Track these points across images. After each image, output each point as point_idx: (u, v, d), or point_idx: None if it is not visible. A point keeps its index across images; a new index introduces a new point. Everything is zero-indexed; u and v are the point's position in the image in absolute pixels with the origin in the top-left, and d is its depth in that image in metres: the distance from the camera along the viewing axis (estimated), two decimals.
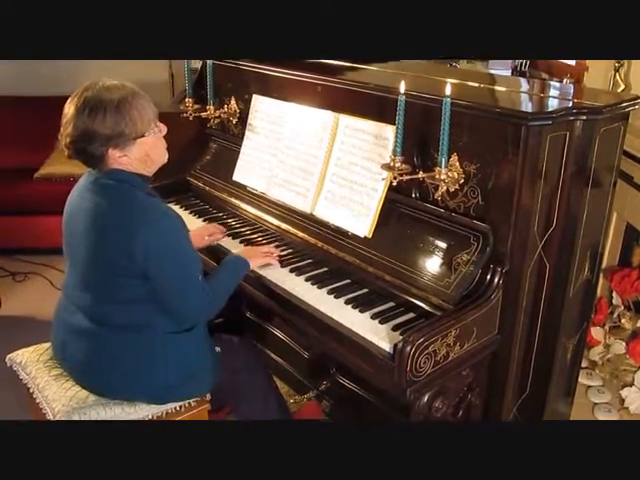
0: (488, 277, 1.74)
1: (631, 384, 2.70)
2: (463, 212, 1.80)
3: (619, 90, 2.96)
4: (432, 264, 1.80)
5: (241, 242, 2.26)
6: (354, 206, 2.03)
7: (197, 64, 2.98)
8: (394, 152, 1.73)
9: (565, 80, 3.44)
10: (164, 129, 1.80)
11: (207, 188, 2.62)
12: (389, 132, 1.92)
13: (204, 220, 2.46)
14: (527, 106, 1.80)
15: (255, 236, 2.31)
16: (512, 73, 3.83)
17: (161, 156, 1.82)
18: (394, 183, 1.76)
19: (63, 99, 1.71)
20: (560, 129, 1.63)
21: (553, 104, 1.79)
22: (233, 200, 2.48)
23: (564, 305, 1.88)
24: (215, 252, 2.21)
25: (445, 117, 1.59)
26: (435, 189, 1.78)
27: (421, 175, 1.77)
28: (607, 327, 2.82)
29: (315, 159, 2.16)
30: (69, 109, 1.66)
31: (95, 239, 1.68)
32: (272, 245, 2.20)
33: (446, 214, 1.82)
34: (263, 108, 2.40)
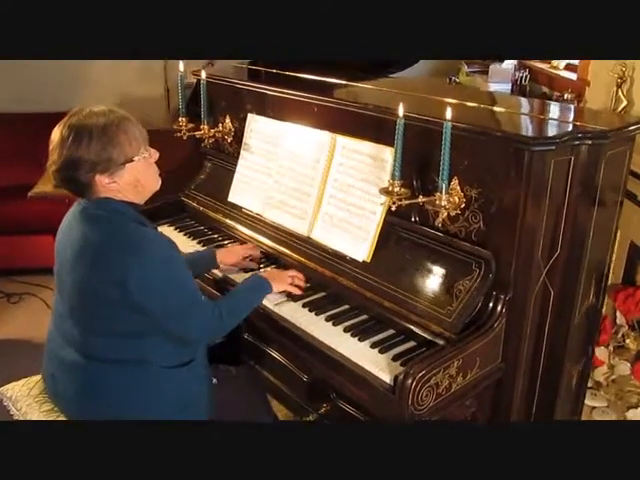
0: (491, 304, 1.69)
1: (636, 405, 2.64)
2: (464, 237, 1.75)
3: (621, 106, 2.91)
4: (433, 291, 1.75)
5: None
6: (352, 229, 1.97)
7: (192, 79, 2.93)
8: (393, 176, 1.68)
9: (566, 95, 3.41)
10: (155, 154, 1.74)
11: (202, 209, 2.56)
12: (387, 154, 1.87)
13: (199, 242, 2.40)
14: (530, 129, 1.75)
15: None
16: (512, 87, 3.78)
17: (153, 182, 1.76)
18: (393, 208, 1.71)
19: (58, 116, 1.67)
20: (565, 153, 1.58)
21: (556, 127, 1.73)
22: (228, 221, 2.42)
23: (569, 332, 1.82)
24: (219, 282, 2.16)
25: (446, 141, 1.54)
26: (435, 214, 1.73)
27: (421, 199, 1.72)
28: (611, 347, 2.76)
29: (312, 180, 2.11)
30: (55, 136, 1.61)
31: (84, 271, 1.62)
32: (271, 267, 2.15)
33: (447, 239, 1.77)
34: (258, 127, 2.35)
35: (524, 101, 2.26)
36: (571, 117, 1.88)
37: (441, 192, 1.58)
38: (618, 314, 2.79)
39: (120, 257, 1.58)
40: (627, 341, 2.74)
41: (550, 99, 3.63)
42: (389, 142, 1.85)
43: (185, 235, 2.47)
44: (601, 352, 2.75)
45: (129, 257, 1.58)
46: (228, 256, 2.17)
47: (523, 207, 1.60)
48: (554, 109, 2.13)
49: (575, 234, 1.70)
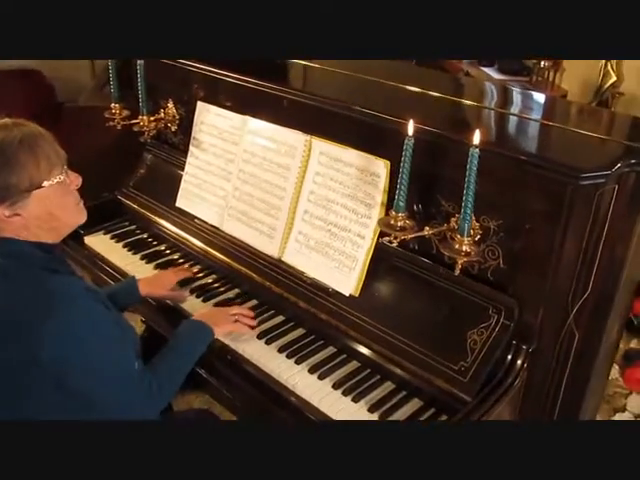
0: (509, 357, 1.41)
1: (623, 409, 2.48)
2: (477, 274, 1.44)
3: (610, 82, 2.65)
4: (441, 340, 1.45)
5: (192, 292, 1.83)
6: (335, 255, 1.64)
7: None
8: (397, 208, 1.34)
9: (543, 62, 3.12)
10: (76, 180, 1.37)
11: (143, 211, 2.15)
12: (380, 167, 1.53)
13: (142, 258, 2.00)
14: (569, 153, 1.41)
15: (210, 280, 1.89)
16: None
17: (72, 215, 1.38)
18: (394, 244, 1.38)
19: None
20: (610, 183, 1.28)
21: (595, 148, 1.42)
22: (177, 230, 2.03)
23: (590, 376, 1.58)
24: (170, 311, 1.79)
25: (471, 173, 1.20)
26: (438, 243, 1.41)
27: (427, 232, 1.41)
28: None
29: (282, 191, 1.74)
30: None
31: None
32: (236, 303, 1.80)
33: (455, 276, 1.45)
34: (211, 120, 1.94)
35: (532, 98, 1.92)
36: (612, 129, 1.57)
37: (462, 234, 1.25)
38: None
39: (26, 319, 1.22)
40: None
41: (523, 65, 3.33)
42: (380, 151, 1.53)
43: (125, 247, 2.06)
44: None
45: (39, 319, 1.21)
46: (154, 287, 1.77)
47: (559, 247, 1.30)
48: (576, 113, 1.81)
49: (609, 271, 1.42)
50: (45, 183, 1.27)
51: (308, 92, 1.68)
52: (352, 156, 1.59)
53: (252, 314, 1.70)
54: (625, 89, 2.66)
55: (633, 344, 2.60)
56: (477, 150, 1.19)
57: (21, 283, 1.26)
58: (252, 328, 1.67)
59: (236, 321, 1.65)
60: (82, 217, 1.41)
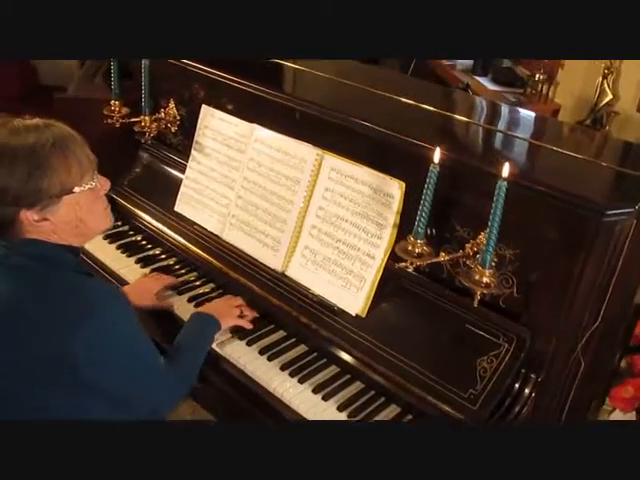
0: (517, 385, 1.41)
1: None
2: (489, 301, 1.44)
3: (605, 100, 2.67)
4: (450, 366, 1.44)
5: (189, 300, 1.79)
6: (342, 273, 1.61)
7: None
8: (416, 234, 1.32)
9: (537, 75, 3.13)
10: (106, 184, 1.36)
11: (138, 212, 2.09)
12: (394, 188, 1.51)
13: (137, 262, 1.95)
14: (589, 187, 1.41)
15: (207, 289, 1.85)
16: (474, 62, 3.45)
17: (100, 221, 1.37)
18: (410, 269, 1.36)
19: None
20: (630, 217, 1.28)
21: (613, 180, 1.43)
22: (175, 235, 1.97)
23: (591, 403, 1.59)
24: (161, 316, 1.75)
25: (497, 207, 1.19)
26: (450, 268, 1.40)
27: (442, 257, 1.39)
28: None
29: (289, 204, 1.71)
30: None
31: (4, 339, 1.21)
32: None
33: (466, 302, 1.45)
34: (216, 125, 1.90)
35: (547, 123, 1.92)
36: (628, 159, 1.57)
37: (484, 265, 1.24)
38: None
39: (60, 325, 1.19)
40: None
41: (517, 76, 3.34)
42: (392, 171, 1.52)
43: (119, 249, 2.00)
44: None
45: (73, 324, 1.19)
46: (139, 295, 1.71)
47: (577, 278, 1.30)
48: (590, 141, 1.82)
49: (620, 302, 1.43)
50: (76, 189, 1.25)
51: (321, 105, 1.64)
52: (364, 174, 1.57)
53: (248, 308, 1.74)
54: (620, 108, 2.69)
55: None
56: (505, 183, 1.18)
57: (54, 286, 1.23)
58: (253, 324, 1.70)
59: (239, 316, 1.68)
60: (109, 222, 1.41)
